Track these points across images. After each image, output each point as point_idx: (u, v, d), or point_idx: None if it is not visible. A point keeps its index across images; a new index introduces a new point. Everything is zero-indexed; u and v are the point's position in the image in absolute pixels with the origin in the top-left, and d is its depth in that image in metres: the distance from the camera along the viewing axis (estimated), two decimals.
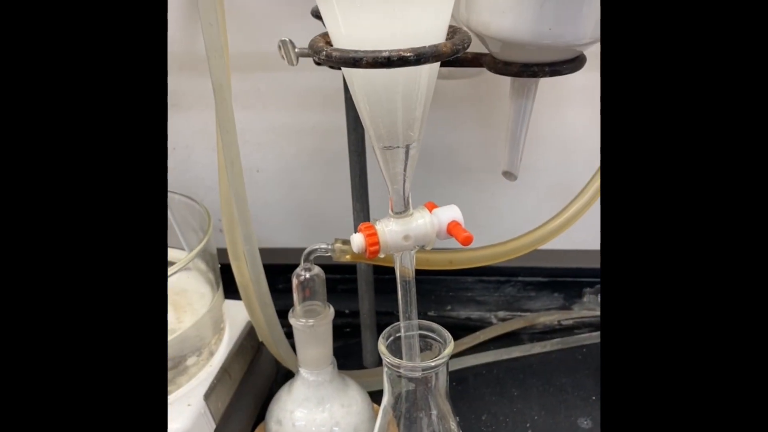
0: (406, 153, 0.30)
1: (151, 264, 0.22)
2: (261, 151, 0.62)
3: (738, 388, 0.21)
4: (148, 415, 0.22)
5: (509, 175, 0.42)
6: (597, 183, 0.44)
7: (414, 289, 0.35)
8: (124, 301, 0.22)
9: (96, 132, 0.22)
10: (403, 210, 0.33)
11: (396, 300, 0.34)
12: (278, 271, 0.50)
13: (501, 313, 0.64)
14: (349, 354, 0.58)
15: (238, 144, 0.39)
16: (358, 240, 0.33)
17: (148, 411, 0.22)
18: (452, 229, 0.33)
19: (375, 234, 0.33)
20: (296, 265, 0.42)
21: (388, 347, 0.34)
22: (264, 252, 0.43)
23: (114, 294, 0.22)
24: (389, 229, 0.33)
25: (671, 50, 0.22)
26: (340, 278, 0.63)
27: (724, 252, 0.22)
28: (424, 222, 0.33)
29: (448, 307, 0.65)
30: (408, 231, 0.33)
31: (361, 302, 0.51)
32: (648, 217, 0.22)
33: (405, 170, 0.31)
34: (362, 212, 0.48)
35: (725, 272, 0.22)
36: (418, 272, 0.35)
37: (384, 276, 0.53)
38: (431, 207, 0.34)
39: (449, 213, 0.34)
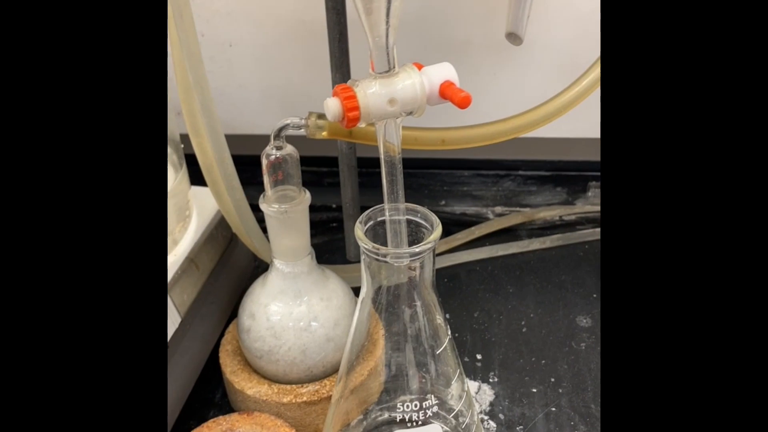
0: None
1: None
2: (233, 23, 0.55)
3: (736, 283, 0.20)
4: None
5: (514, 37, 0.36)
6: None
7: (400, 169, 0.30)
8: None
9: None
10: (387, 69, 0.28)
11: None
12: (256, 162, 0.45)
13: (498, 209, 0.60)
14: (335, 249, 0.55)
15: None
16: (333, 105, 0.28)
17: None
18: (446, 89, 0.28)
19: (354, 97, 0.28)
20: None
21: (367, 234, 0.30)
22: (240, 139, 0.38)
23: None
24: (371, 92, 0.28)
25: None
26: (326, 171, 0.59)
27: (734, 145, 0.20)
28: (412, 82, 0.28)
29: (442, 202, 0.61)
30: (393, 93, 0.28)
31: (343, 189, 0.46)
32: (651, 104, 0.20)
33: (388, 11, 0.25)
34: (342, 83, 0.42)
35: (735, 168, 0.20)
36: (408, 164, 0.30)
37: (369, 169, 0.48)
38: (420, 67, 0.29)
39: (442, 72, 0.29)
